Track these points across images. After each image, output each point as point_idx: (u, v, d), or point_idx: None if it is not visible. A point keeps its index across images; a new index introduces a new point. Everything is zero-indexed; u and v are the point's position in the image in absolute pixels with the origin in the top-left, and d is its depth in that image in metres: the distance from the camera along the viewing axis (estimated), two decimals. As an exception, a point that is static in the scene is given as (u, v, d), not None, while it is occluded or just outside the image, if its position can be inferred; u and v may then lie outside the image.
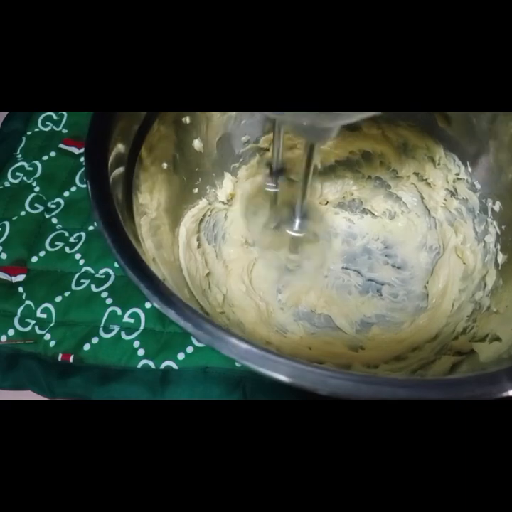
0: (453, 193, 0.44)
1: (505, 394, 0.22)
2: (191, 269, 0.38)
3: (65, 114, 0.55)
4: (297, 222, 0.36)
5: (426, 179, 0.45)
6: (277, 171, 0.36)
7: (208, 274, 0.40)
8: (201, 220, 0.43)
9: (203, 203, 0.43)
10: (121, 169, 0.32)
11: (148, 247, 0.31)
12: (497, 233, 0.40)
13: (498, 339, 0.34)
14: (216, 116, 0.41)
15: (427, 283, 0.44)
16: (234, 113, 0.42)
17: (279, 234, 0.40)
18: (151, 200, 0.36)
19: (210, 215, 0.44)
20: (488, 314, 0.38)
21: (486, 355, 0.34)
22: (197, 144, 0.41)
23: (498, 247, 0.40)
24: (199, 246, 0.41)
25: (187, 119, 0.39)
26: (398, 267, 0.46)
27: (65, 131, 0.54)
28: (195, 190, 0.43)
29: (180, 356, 0.40)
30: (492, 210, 0.41)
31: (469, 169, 0.42)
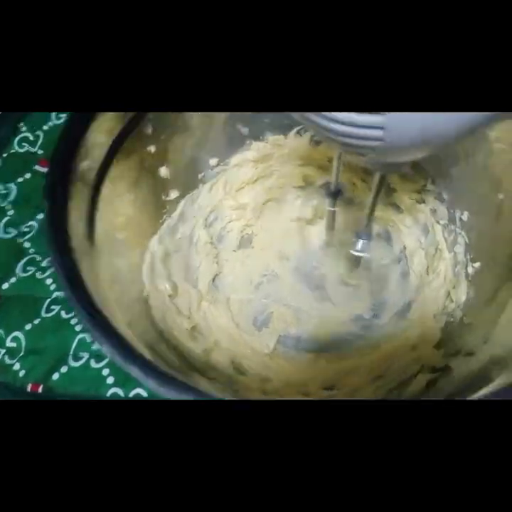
0: (421, 204, 0.41)
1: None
2: (157, 301, 0.34)
3: (41, 134, 0.51)
4: (361, 242, 0.34)
5: (393, 188, 0.42)
6: (335, 192, 0.34)
7: (174, 302, 0.36)
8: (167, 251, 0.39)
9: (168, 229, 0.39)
10: (83, 205, 0.29)
11: (109, 285, 0.28)
12: (466, 243, 0.37)
13: (471, 354, 0.31)
14: (181, 141, 0.37)
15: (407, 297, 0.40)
16: (199, 136, 0.38)
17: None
18: (116, 233, 0.32)
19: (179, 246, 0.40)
20: (460, 326, 0.35)
21: (460, 371, 0.31)
22: (163, 171, 0.37)
23: (468, 257, 0.37)
24: (168, 276, 0.37)
25: (152, 148, 0.35)
26: (374, 280, 0.42)
27: (40, 152, 0.50)
28: (162, 219, 0.38)
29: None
30: (460, 219, 0.38)
31: (436, 180, 0.40)
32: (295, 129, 0.41)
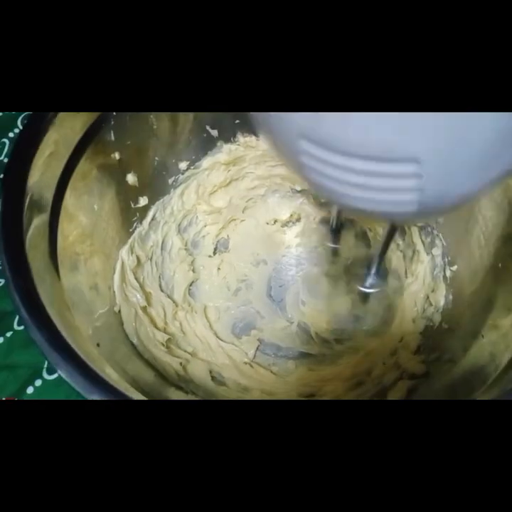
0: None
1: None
2: (129, 315, 0.33)
3: (6, 141, 0.49)
4: (370, 280, 0.36)
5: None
6: (337, 229, 0.34)
7: (147, 311, 0.35)
8: (139, 260, 0.37)
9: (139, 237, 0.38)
10: (43, 217, 0.27)
11: (74, 301, 0.27)
12: (443, 245, 0.37)
13: (452, 361, 0.30)
14: (147, 146, 0.36)
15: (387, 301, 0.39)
16: (166, 140, 0.36)
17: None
18: (80, 246, 0.30)
19: (151, 254, 0.39)
20: (440, 331, 0.34)
21: (441, 379, 0.30)
22: (131, 178, 0.35)
23: (446, 260, 0.36)
24: (140, 287, 0.36)
25: (116, 155, 0.33)
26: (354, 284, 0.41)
27: (7, 160, 0.47)
28: (132, 227, 0.37)
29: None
30: (436, 221, 0.37)
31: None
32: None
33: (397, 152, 0.13)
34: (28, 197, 0.26)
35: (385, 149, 0.13)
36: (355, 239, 0.41)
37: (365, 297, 0.39)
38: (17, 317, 0.39)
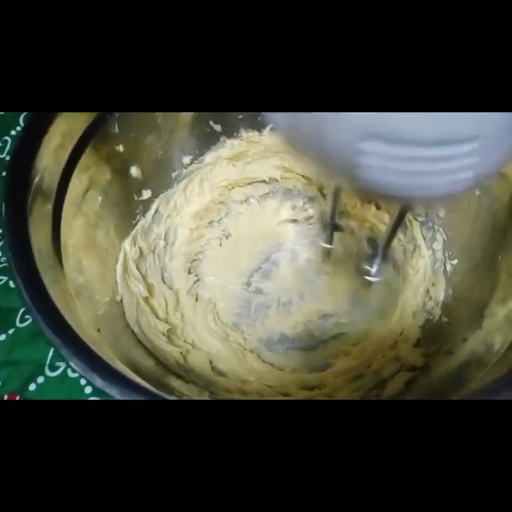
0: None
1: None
2: (131, 304, 0.33)
3: (9, 139, 0.49)
4: (375, 267, 0.34)
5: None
6: (332, 227, 0.33)
7: (148, 301, 0.35)
8: (141, 252, 0.38)
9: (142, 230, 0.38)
10: (48, 206, 0.28)
11: (77, 289, 0.27)
12: (444, 240, 0.37)
13: (449, 352, 0.31)
14: (151, 140, 0.36)
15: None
16: (169, 134, 0.37)
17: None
18: (84, 235, 0.31)
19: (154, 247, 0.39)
20: (439, 325, 0.34)
21: (438, 370, 0.30)
22: (134, 171, 0.36)
23: (447, 254, 0.37)
24: (143, 278, 0.36)
25: (120, 147, 0.34)
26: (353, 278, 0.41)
27: (8, 158, 0.48)
28: (135, 220, 0.37)
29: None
30: (437, 216, 0.37)
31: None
32: (270, 125, 0.40)
33: (461, 133, 0.14)
34: (34, 184, 0.27)
35: (452, 132, 0.14)
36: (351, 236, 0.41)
37: (367, 287, 0.39)
38: (19, 314, 0.39)
